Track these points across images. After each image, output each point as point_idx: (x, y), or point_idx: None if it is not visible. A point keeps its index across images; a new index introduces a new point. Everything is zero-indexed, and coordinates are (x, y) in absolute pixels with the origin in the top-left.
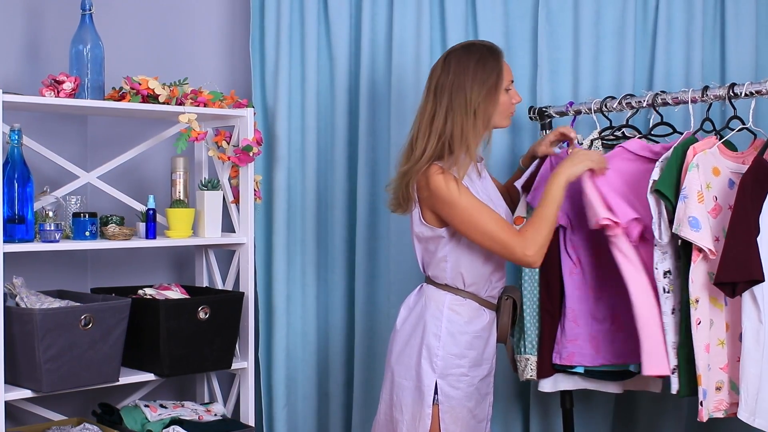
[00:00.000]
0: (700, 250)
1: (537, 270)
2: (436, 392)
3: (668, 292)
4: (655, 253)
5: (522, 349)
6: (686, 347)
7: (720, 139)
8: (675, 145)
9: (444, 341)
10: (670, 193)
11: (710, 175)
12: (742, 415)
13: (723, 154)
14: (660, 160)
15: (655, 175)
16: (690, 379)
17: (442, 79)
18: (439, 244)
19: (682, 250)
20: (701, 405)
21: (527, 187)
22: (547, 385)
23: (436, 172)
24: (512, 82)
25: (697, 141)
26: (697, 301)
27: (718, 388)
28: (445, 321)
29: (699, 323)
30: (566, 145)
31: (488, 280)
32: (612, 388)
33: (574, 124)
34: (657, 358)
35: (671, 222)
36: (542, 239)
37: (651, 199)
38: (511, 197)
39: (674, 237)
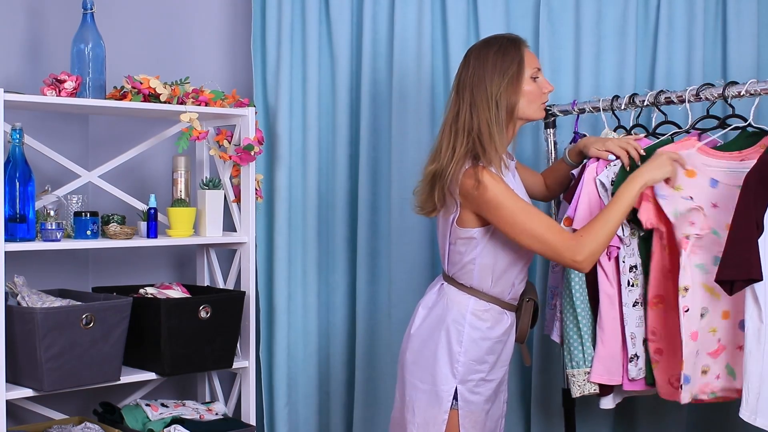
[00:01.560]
0: (687, 237)
1: (584, 282)
2: (455, 398)
3: (632, 286)
4: (621, 247)
5: (578, 363)
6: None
7: (700, 138)
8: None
9: (466, 347)
10: None
11: (682, 178)
12: (744, 415)
13: (706, 154)
14: (614, 163)
15: (604, 176)
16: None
17: (463, 75)
18: (469, 246)
19: (642, 248)
20: (681, 389)
21: (569, 197)
22: (609, 402)
23: (485, 173)
24: (539, 70)
25: (671, 142)
26: (686, 289)
27: (704, 372)
28: (467, 327)
29: (686, 311)
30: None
31: (512, 283)
32: (652, 391)
33: (577, 123)
34: (608, 367)
35: (630, 221)
36: (597, 245)
37: (605, 200)
38: (547, 186)
39: (632, 235)
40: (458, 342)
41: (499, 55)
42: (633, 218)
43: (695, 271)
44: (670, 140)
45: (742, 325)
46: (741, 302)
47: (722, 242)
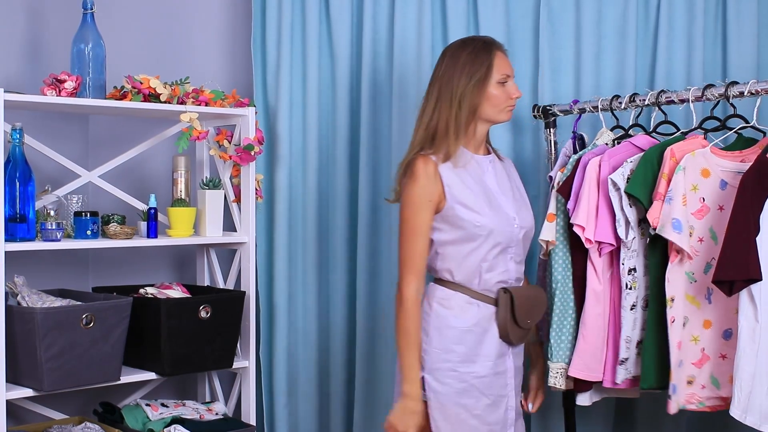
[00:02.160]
0: (679, 251)
1: (570, 277)
2: (423, 388)
3: (630, 289)
4: (621, 249)
5: (558, 357)
6: (651, 342)
7: (709, 139)
8: (650, 148)
9: (431, 336)
10: (641, 194)
11: (698, 177)
12: (735, 413)
13: (716, 154)
14: (629, 160)
15: (618, 176)
16: (653, 371)
17: (436, 71)
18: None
19: (651, 250)
20: (670, 398)
21: (564, 190)
22: (585, 399)
23: (419, 161)
24: (509, 76)
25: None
26: (672, 299)
27: (690, 382)
28: (433, 315)
29: (673, 321)
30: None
31: (477, 272)
32: (632, 393)
33: (578, 123)
34: (587, 364)
35: (641, 221)
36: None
37: (613, 198)
38: None
39: (642, 236)
40: (425, 331)
41: (470, 57)
42: (645, 219)
43: (683, 279)
44: (682, 137)
45: (726, 334)
46: (724, 312)
47: (719, 248)
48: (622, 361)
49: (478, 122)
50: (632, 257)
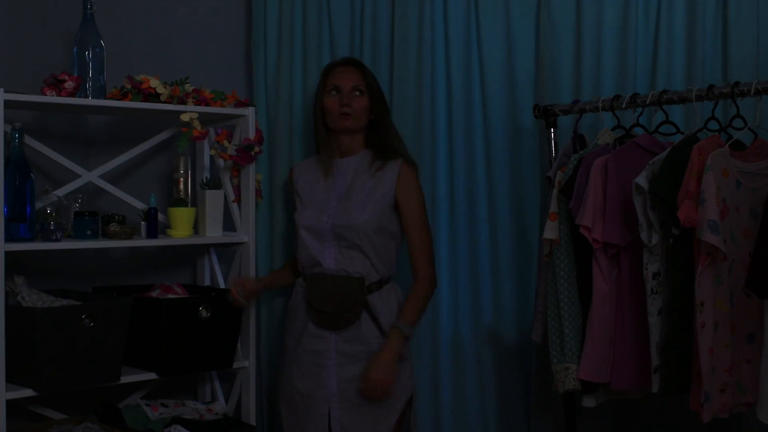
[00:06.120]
0: (709, 254)
1: (575, 278)
2: None
3: (656, 293)
4: (644, 254)
5: (560, 359)
6: (677, 347)
7: (727, 139)
8: (672, 146)
9: None
10: (667, 193)
11: (720, 177)
12: (764, 417)
13: (731, 155)
14: (651, 162)
15: (642, 179)
16: (678, 378)
17: None
18: None
19: (675, 252)
20: (702, 407)
21: (567, 190)
22: (591, 401)
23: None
24: (336, 87)
25: (698, 140)
26: (702, 304)
27: (722, 390)
28: None
29: (703, 326)
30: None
31: (300, 257)
32: (635, 395)
33: (578, 124)
34: (596, 366)
35: (662, 224)
36: None
37: (637, 202)
38: None
39: (664, 238)
40: None
41: (319, 80)
42: (669, 219)
43: (713, 282)
44: (698, 139)
45: (749, 338)
46: (747, 315)
47: (737, 249)
48: (656, 369)
49: (331, 132)
50: (655, 261)
